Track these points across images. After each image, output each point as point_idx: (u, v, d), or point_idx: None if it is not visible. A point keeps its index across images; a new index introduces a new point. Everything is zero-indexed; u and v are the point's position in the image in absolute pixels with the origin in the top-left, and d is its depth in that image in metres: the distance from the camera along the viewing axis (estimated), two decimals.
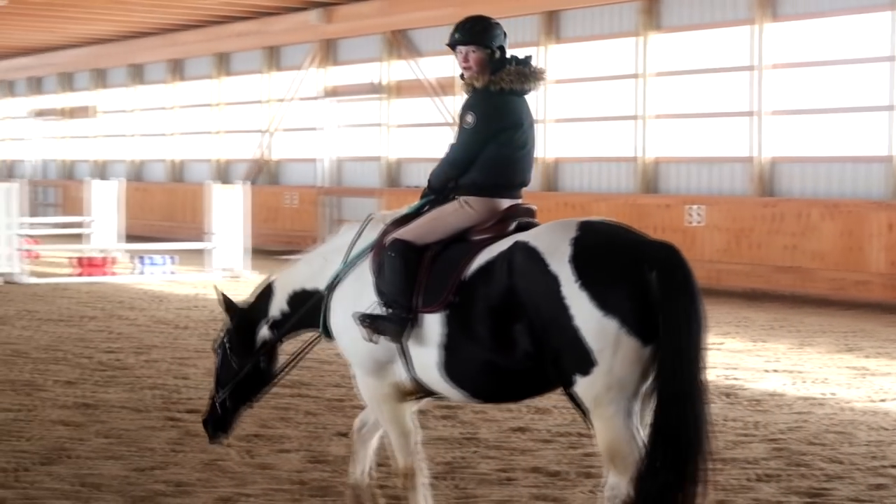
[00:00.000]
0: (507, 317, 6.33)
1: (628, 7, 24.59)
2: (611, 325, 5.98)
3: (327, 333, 7.38)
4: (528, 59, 7.09)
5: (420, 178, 29.62)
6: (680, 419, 5.94)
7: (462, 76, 7.20)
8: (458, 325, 6.53)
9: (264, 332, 7.64)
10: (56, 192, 42.84)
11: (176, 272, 24.30)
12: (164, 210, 36.81)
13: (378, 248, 6.97)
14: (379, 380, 7.04)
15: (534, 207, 7.10)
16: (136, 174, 40.03)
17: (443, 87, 28.64)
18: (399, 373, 6.96)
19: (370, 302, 6.86)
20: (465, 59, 7.13)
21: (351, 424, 10.41)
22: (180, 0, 31.36)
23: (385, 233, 7.03)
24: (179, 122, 38.27)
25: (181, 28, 36.43)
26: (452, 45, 7.24)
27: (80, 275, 23.48)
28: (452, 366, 6.60)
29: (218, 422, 7.82)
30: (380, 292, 6.84)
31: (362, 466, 7.53)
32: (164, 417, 10.73)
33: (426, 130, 29.64)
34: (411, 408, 7.17)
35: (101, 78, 41.93)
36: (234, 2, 31.80)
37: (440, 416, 10.81)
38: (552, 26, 26.07)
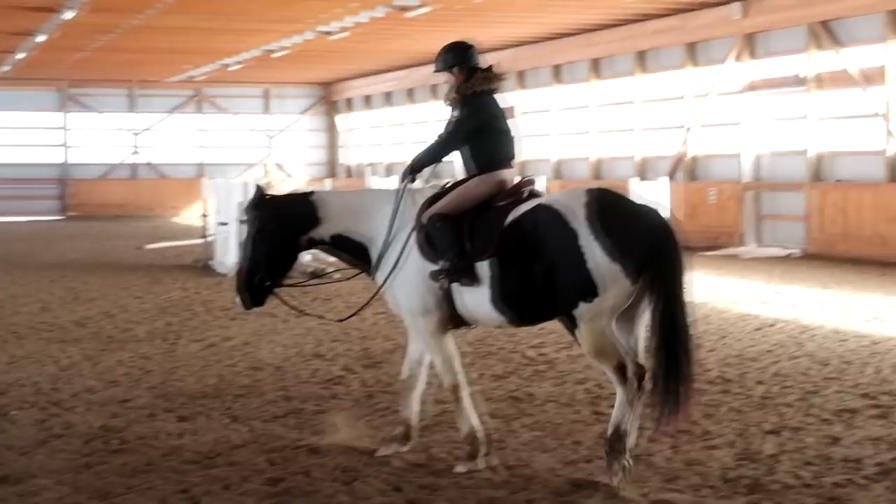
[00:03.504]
0: (533, 258, 8.45)
1: None
2: (614, 268, 8.20)
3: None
4: (490, 67, 9.26)
5: (848, 171, 28.77)
6: (674, 329, 8.22)
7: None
8: (500, 267, 8.59)
9: (304, 242, 9.34)
10: None
11: None
12: None
13: (419, 225, 8.93)
14: (427, 320, 8.97)
15: (534, 178, 9.38)
16: (557, 173, 40.61)
17: (869, 78, 27.69)
18: (444, 310, 8.90)
19: (418, 265, 8.88)
20: (446, 81, 9.33)
21: (780, 423, 10.28)
22: (601, 0, 31.58)
23: (421, 212, 8.98)
24: (599, 120, 38.57)
25: (600, 27, 36.69)
26: (436, 70, 9.43)
27: None
28: (498, 297, 8.63)
29: (256, 296, 9.30)
30: (432, 256, 8.81)
31: (414, 408, 9.38)
32: (591, 412, 10.84)
33: (853, 122, 28.73)
34: (452, 339, 9.11)
35: (522, 79, 42.77)
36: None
37: (872, 416, 10.48)
38: None
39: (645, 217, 8.42)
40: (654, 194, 24.77)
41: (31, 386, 12.25)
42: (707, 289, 21.29)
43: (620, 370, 8.37)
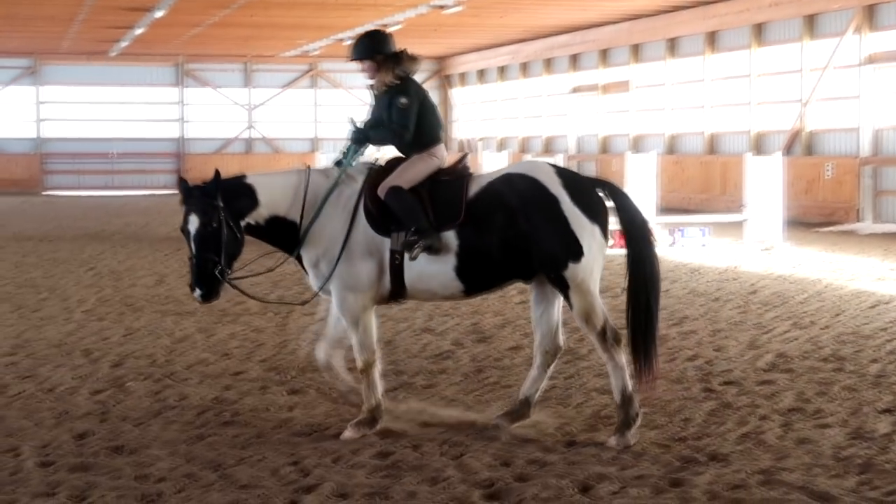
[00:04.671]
0: (510, 224, 8.94)
1: None
2: (595, 229, 9.00)
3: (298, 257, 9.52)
4: (404, 50, 9.63)
5: None
6: (646, 280, 9.14)
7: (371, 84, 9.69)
8: (469, 235, 8.99)
9: (244, 225, 9.26)
10: (594, 165, 43.83)
11: (709, 244, 24.30)
12: (699, 182, 36.86)
13: (372, 198, 9.14)
14: (361, 295, 9.16)
15: (469, 153, 10.20)
16: (671, 147, 40.30)
17: None
18: (384, 285, 9.17)
19: (366, 237, 9.11)
20: (366, 69, 9.66)
21: (894, 401, 10.12)
22: None
23: (371, 186, 9.18)
24: (714, 94, 38.18)
25: (716, 0, 36.30)
26: (352, 60, 9.73)
27: (614, 246, 23.84)
28: (464, 268, 9.04)
29: (214, 286, 9.10)
30: (387, 228, 9.06)
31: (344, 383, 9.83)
32: (702, 389, 10.76)
33: None
34: (373, 316, 9.33)
35: (636, 53, 42.46)
36: None
37: None
38: None
39: (605, 186, 9.26)
40: (768, 169, 24.46)
41: (146, 358, 12.45)
42: (822, 265, 21.02)
43: (603, 335, 9.09)
